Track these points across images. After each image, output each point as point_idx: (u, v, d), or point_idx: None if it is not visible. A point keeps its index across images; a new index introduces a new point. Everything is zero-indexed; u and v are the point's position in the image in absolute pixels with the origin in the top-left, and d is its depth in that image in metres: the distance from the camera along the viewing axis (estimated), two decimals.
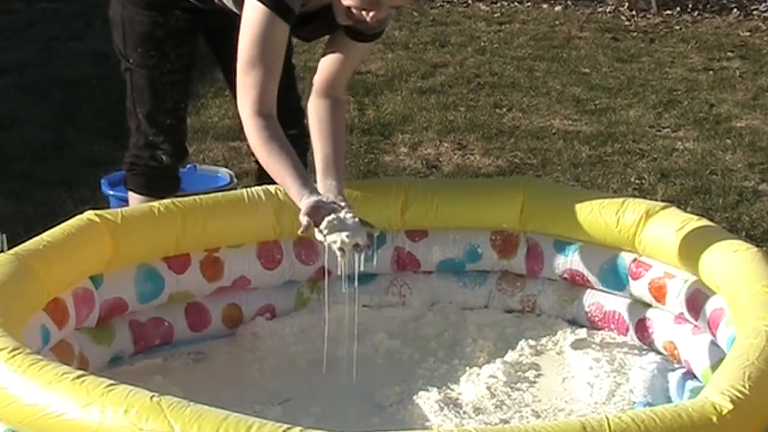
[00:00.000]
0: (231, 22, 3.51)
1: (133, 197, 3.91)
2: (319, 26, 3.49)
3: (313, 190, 3.24)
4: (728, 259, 3.21)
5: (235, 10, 3.50)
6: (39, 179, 5.62)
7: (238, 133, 4.41)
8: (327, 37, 3.62)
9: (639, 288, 3.57)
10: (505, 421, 3.14)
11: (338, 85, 3.62)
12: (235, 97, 3.46)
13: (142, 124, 3.82)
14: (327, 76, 3.59)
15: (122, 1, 3.75)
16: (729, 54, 8.25)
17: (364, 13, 3.30)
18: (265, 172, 3.37)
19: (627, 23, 9.27)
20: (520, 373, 3.43)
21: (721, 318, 3.21)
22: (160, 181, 3.87)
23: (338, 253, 3.19)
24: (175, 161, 3.90)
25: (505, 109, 6.91)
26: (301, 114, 3.98)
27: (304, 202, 3.18)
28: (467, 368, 3.44)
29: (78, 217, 3.40)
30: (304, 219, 3.15)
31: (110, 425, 2.42)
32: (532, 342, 3.60)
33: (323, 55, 3.62)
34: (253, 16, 3.30)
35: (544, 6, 9.77)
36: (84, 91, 7.09)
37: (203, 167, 5.05)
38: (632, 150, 6.12)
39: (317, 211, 3.16)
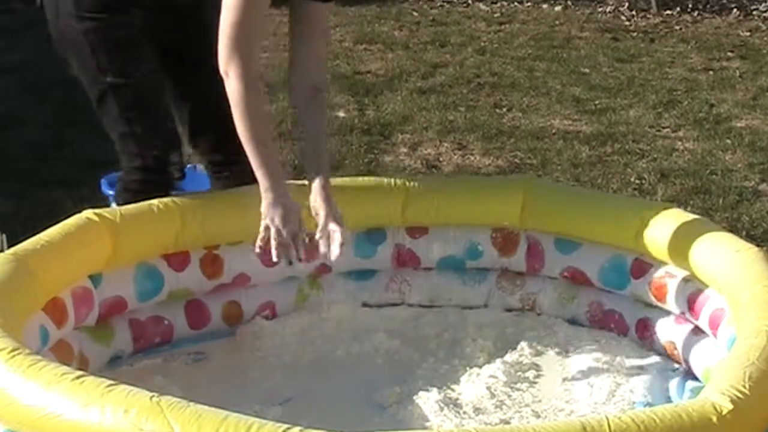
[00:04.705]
0: (184, 20, 3.50)
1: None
2: None
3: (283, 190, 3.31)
4: (729, 259, 3.21)
5: None
6: (39, 179, 5.62)
7: None
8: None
9: (639, 288, 3.57)
10: (505, 421, 3.14)
11: (311, 71, 3.54)
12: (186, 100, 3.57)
13: (143, 140, 3.61)
14: (296, 61, 3.53)
15: (76, 18, 3.55)
16: (729, 54, 8.25)
17: None
18: None
19: (627, 23, 9.27)
20: (520, 373, 3.43)
21: (721, 318, 3.21)
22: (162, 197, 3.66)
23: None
24: (180, 175, 3.75)
25: (505, 109, 6.91)
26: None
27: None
28: (467, 368, 3.44)
29: (77, 216, 3.40)
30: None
31: (110, 425, 2.42)
32: (532, 342, 3.60)
33: (289, 47, 3.57)
34: None
35: (544, 6, 9.77)
36: (84, 91, 7.07)
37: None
38: (632, 150, 6.11)
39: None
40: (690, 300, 3.40)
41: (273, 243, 3.27)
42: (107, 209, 3.53)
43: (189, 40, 3.61)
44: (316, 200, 3.41)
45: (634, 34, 8.89)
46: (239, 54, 3.25)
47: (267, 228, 3.29)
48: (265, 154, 3.31)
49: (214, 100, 3.42)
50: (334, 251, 3.33)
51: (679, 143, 6.25)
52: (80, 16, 3.57)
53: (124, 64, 3.59)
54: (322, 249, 3.34)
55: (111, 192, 4.60)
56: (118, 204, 3.66)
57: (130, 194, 3.66)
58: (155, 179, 3.67)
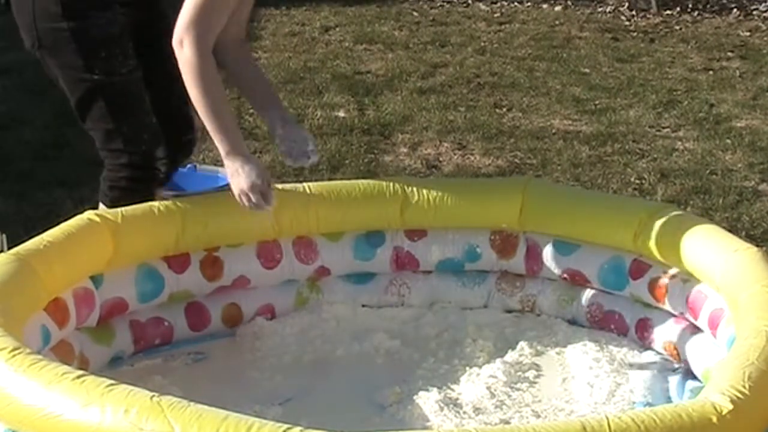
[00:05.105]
0: (163, 14, 3.54)
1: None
2: None
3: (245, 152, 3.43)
4: (728, 259, 3.21)
5: None
6: (39, 179, 5.62)
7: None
8: None
9: (639, 288, 3.57)
10: (505, 421, 3.14)
11: (238, 27, 3.61)
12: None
13: (129, 137, 3.59)
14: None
15: (60, 18, 3.51)
16: (729, 54, 8.25)
17: None
18: None
19: (627, 23, 9.27)
20: (520, 373, 3.43)
21: (721, 318, 3.21)
22: (149, 193, 3.68)
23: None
24: (167, 170, 3.73)
25: (505, 109, 6.91)
26: (192, 121, 3.81)
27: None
28: (467, 368, 3.44)
29: (78, 216, 3.41)
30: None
31: (110, 425, 2.42)
32: (532, 342, 3.60)
33: None
34: None
35: (544, 6, 9.77)
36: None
37: (203, 167, 5.03)
38: (632, 150, 6.11)
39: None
40: (689, 300, 3.40)
41: (249, 207, 3.38)
42: (108, 210, 3.54)
43: (167, 33, 3.57)
44: (282, 129, 3.55)
45: (634, 34, 8.89)
46: (198, 27, 3.28)
47: (240, 197, 3.37)
48: (222, 119, 3.35)
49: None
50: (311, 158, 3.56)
51: (679, 143, 6.25)
52: (65, 16, 3.53)
53: (111, 62, 3.57)
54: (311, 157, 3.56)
55: None
56: (106, 204, 3.65)
57: (118, 192, 3.64)
58: (143, 175, 3.65)
